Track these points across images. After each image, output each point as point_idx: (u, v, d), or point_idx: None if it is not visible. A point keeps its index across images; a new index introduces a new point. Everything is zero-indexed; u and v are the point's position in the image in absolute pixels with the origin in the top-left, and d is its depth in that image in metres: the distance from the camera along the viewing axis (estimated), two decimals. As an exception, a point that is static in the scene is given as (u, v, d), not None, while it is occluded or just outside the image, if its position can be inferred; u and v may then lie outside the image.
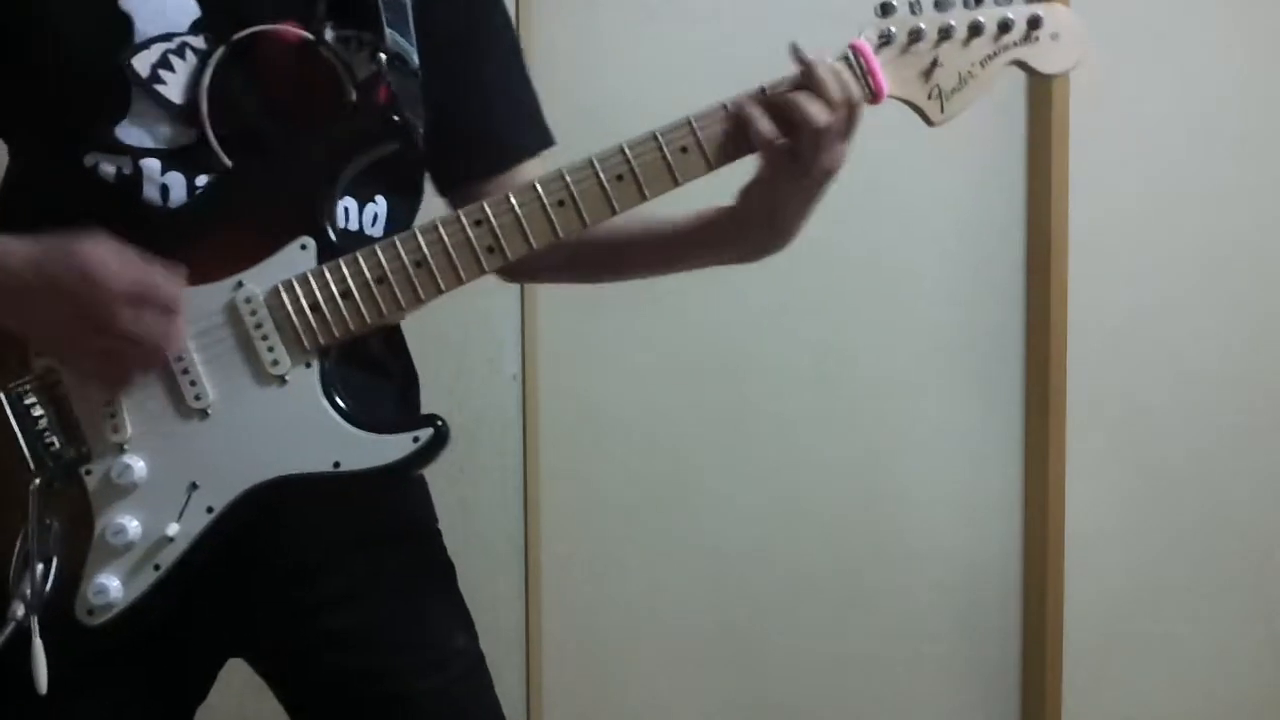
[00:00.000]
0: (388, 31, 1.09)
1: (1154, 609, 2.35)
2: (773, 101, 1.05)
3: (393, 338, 1.19)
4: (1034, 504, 2.30)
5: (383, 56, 1.08)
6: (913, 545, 2.28)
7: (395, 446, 1.03)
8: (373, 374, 1.13)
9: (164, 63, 1.03)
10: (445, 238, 1.03)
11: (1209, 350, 2.33)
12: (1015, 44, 1.10)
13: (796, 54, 1.05)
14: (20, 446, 1.00)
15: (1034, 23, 1.09)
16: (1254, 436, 2.36)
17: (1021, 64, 1.11)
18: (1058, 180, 2.22)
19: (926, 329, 2.26)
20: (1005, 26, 1.09)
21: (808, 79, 1.04)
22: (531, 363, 2.08)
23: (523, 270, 1.19)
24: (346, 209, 1.10)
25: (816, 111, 1.02)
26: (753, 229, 1.14)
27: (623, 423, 2.15)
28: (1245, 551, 2.38)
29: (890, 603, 2.28)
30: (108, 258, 0.94)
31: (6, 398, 1.00)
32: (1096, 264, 2.25)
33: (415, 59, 1.13)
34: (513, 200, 1.04)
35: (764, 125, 1.04)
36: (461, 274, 1.04)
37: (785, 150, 1.05)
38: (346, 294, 1.02)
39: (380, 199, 1.13)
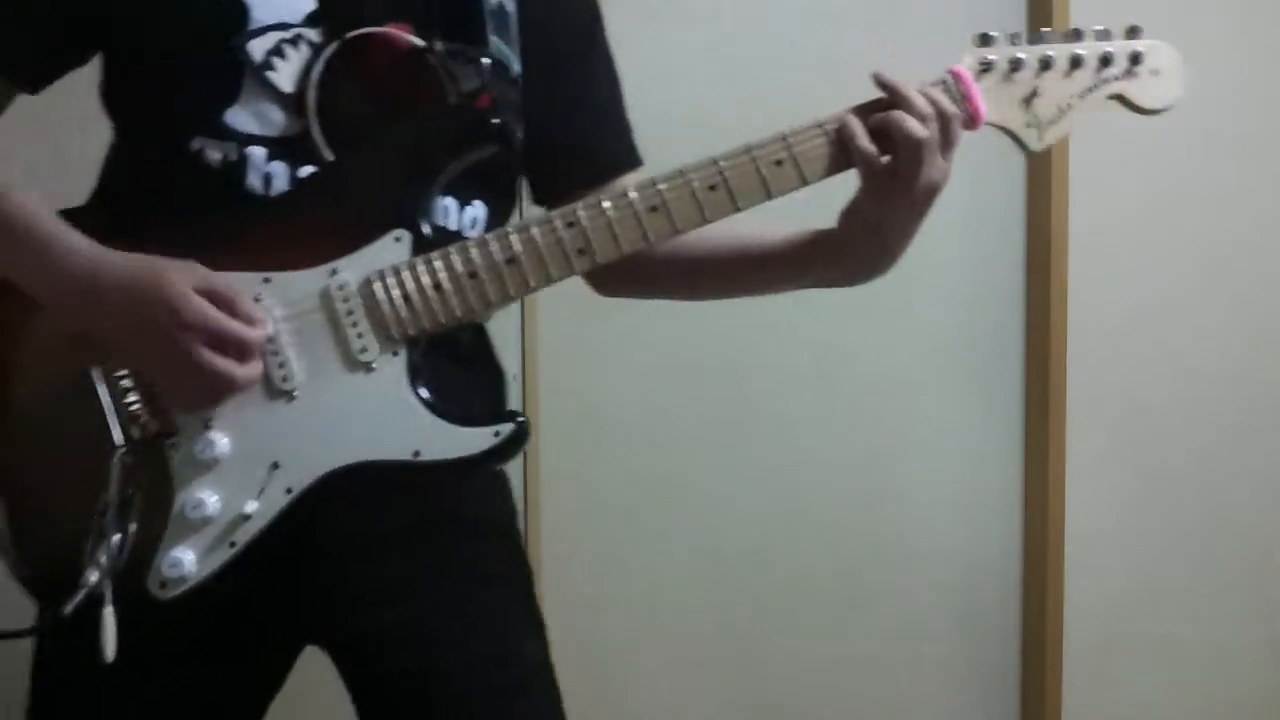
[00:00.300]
0: (490, 39, 1.11)
1: (1154, 609, 2.35)
2: (871, 118, 1.06)
3: (480, 333, 1.20)
4: (1034, 504, 2.30)
5: (485, 62, 1.10)
6: (913, 546, 2.28)
7: (475, 439, 1.04)
8: (459, 366, 1.14)
9: (277, 50, 1.05)
10: (538, 237, 1.05)
11: (1209, 350, 2.33)
12: (1116, 78, 1.12)
13: (879, 80, 1.06)
14: (109, 418, 1.01)
15: (1135, 59, 1.11)
16: (1254, 436, 2.36)
17: (1120, 98, 1.12)
18: (1058, 180, 2.22)
19: (926, 329, 2.26)
20: (1106, 61, 1.10)
21: (895, 98, 1.06)
22: (531, 363, 2.08)
23: (613, 281, 1.22)
24: (447, 208, 1.11)
25: (914, 126, 1.04)
26: (856, 250, 1.15)
27: (623, 423, 2.14)
28: (1245, 552, 2.38)
29: (890, 603, 2.28)
30: (190, 294, 0.97)
31: (101, 370, 1.02)
32: (1096, 264, 2.25)
33: (516, 66, 1.15)
34: (605, 205, 1.06)
35: (865, 141, 1.06)
36: (552, 273, 1.06)
37: (886, 168, 1.06)
38: (437, 286, 1.04)
39: (479, 202, 1.14)
